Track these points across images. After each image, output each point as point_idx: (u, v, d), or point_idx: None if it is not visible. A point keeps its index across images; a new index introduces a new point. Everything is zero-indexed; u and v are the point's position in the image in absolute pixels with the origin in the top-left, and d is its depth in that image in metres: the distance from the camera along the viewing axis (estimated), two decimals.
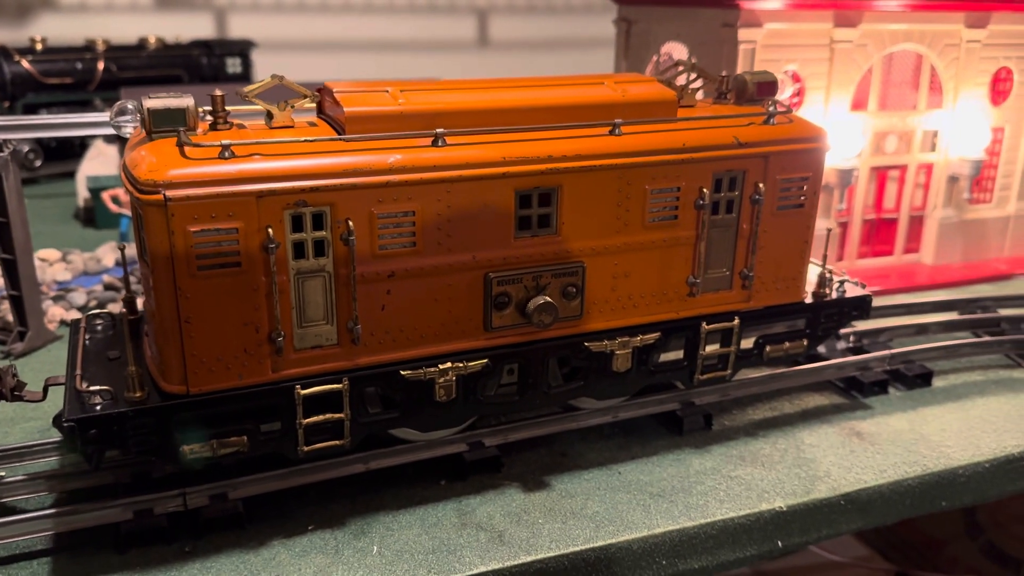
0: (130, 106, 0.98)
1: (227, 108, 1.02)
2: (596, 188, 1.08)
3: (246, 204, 0.91)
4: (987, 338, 1.52)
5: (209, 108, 1.00)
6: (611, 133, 1.08)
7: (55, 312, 1.66)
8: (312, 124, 1.05)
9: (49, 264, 1.92)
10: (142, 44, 2.98)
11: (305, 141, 0.96)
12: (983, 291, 1.83)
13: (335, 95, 1.02)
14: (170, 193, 0.89)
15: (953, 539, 2.43)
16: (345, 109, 0.99)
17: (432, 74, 3.55)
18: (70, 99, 2.71)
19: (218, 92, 1.00)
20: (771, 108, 1.17)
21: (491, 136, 1.04)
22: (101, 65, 2.80)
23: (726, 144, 1.12)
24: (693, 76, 1.23)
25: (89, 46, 2.87)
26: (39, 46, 2.79)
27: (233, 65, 3.03)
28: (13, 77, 2.66)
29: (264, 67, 3.51)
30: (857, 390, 1.39)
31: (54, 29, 3.31)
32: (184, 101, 0.96)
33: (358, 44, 3.95)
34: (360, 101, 1.00)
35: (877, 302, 1.66)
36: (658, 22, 1.90)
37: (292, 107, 1.02)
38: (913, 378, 1.41)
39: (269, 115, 1.02)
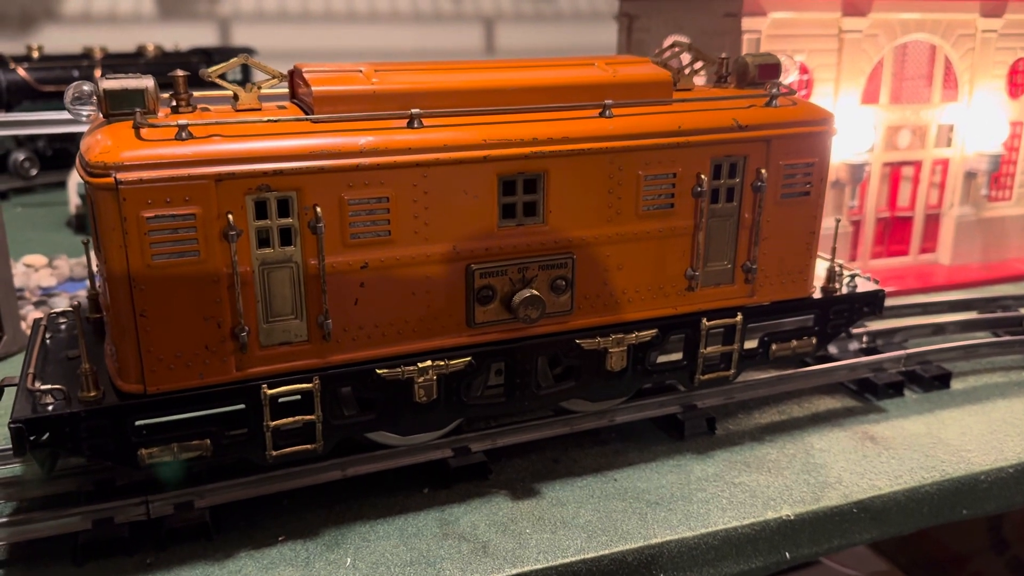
0: (86, 88, 0.93)
1: (191, 92, 0.96)
2: (585, 174, 1.01)
3: (204, 188, 0.85)
4: (1008, 338, 1.44)
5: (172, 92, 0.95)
6: (601, 115, 1.02)
7: (35, 317, 1.60)
8: (282, 107, 0.99)
9: (35, 270, 1.87)
10: (140, 52, 2.95)
11: (269, 122, 0.90)
12: (1001, 292, 1.75)
13: (305, 75, 0.96)
14: (121, 176, 0.82)
15: (978, 553, 2.34)
16: (314, 89, 0.93)
17: None
18: None
19: (180, 73, 0.94)
20: (774, 90, 1.10)
21: (471, 118, 0.97)
22: (99, 73, 2.76)
23: (725, 127, 1.05)
24: (690, 58, 1.17)
25: (86, 54, 2.84)
26: (36, 54, 2.76)
27: (232, 73, 2.99)
28: (9, 85, 2.63)
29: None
30: (871, 392, 1.31)
31: (58, 39, 3.30)
32: (143, 82, 0.90)
33: (363, 53, 3.92)
34: (330, 80, 0.94)
35: (892, 302, 1.58)
36: (659, 15, 1.84)
37: (259, 88, 0.96)
38: (930, 380, 1.33)
39: (235, 97, 0.96)
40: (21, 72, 2.65)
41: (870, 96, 1.73)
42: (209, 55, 3.06)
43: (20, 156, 2.63)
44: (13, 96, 2.64)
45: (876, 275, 1.79)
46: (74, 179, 2.32)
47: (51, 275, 1.84)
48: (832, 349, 1.38)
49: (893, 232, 1.86)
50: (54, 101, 2.71)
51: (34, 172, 2.67)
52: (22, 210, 2.55)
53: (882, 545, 2.37)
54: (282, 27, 3.81)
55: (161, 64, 2.94)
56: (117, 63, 2.85)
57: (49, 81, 2.69)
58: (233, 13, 3.76)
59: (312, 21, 3.85)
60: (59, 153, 2.71)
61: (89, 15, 3.50)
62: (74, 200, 2.29)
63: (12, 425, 0.85)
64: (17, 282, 1.76)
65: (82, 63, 2.80)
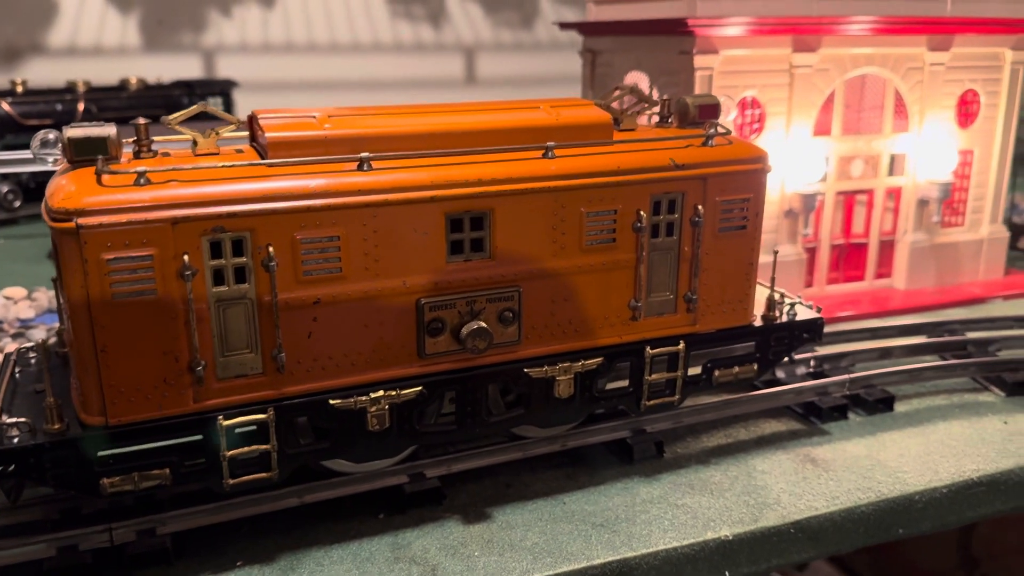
0: (51, 136, 0.98)
1: (152, 137, 1.01)
2: (530, 211, 1.06)
3: (161, 231, 0.90)
4: (952, 361, 1.49)
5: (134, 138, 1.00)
6: (544, 156, 1.07)
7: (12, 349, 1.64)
8: (239, 151, 1.05)
9: (14, 302, 1.91)
10: (123, 85, 3.01)
11: (224, 167, 0.95)
12: (955, 315, 1.80)
13: (260, 122, 1.01)
14: (82, 221, 0.87)
15: (948, 572, 2.38)
16: (267, 135, 0.98)
17: None
18: None
19: (141, 120, 0.99)
20: (711, 130, 1.16)
21: (419, 160, 1.03)
22: (81, 106, 2.82)
23: (662, 166, 1.11)
24: (633, 100, 1.23)
25: (70, 87, 2.90)
26: (19, 88, 2.81)
27: (214, 104, 3.05)
28: None
29: (248, 107, 3.53)
30: (816, 415, 1.36)
31: (44, 72, 3.35)
32: (105, 130, 0.96)
33: (346, 84, 3.98)
34: (283, 127, 1.00)
35: (843, 327, 1.64)
36: (620, 52, 1.90)
37: (217, 134, 1.01)
38: (874, 403, 1.38)
39: (194, 143, 1.01)
40: (5, 106, 2.71)
41: (822, 128, 1.80)
42: (191, 87, 3.12)
43: (3, 188, 2.68)
44: None
45: (832, 300, 1.86)
46: None
47: (30, 307, 1.88)
48: (780, 373, 1.43)
49: (848, 258, 1.92)
50: None
51: (17, 204, 2.72)
52: (4, 242, 2.60)
53: (851, 563, 2.41)
54: (266, 58, 3.88)
55: (143, 97, 3.00)
56: (100, 96, 2.91)
57: (32, 115, 2.75)
58: (217, 45, 3.83)
59: (296, 52, 3.92)
60: (42, 185, 2.74)
61: (75, 48, 3.56)
62: None
63: None
64: None
65: (65, 97, 2.85)
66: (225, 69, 3.82)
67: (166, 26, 3.64)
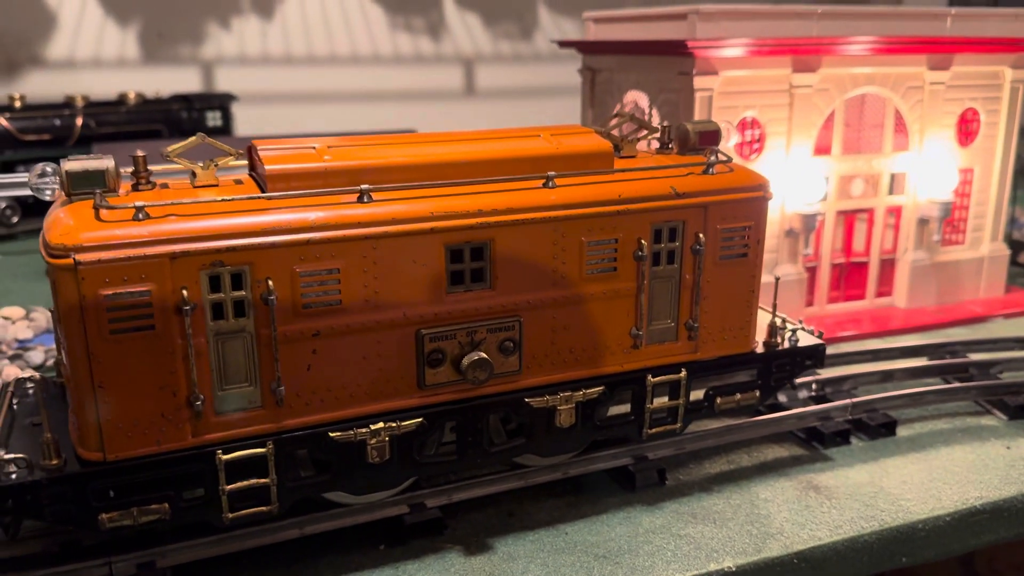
0: (49, 169, 0.97)
1: (150, 168, 1.01)
2: (530, 241, 1.06)
3: (159, 266, 0.89)
4: (955, 384, 1.49)
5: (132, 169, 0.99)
6: (545, 186, 1.07)
7: (10, 372, 1.64)
8: (238, 182, 1.04)
9: (12, 322, 1.90)
10: (122, 99, 3.00)
11: (223, 200, 0.95)
12: (956, 335, 1.80)
13: (259, 153, 1.01)
14: (80, 257, 0.87)
15: None
16: (266, 168, 0.98)
17: (418, 124, 3.58)
18: (48, 156, 2.71)
19: (139, 153, 0.99)
20: (711, 157, 1.15)
21: (419, 191, 1.02)
22: (80, 121, 2.82)
23: (663, 195, 1.10)
24: (633, 127, 1.22)
25: (68, 102, 2.89)
26: (18, 103, 2.81)
27: (213, 118, 3.05)
28: None
29: (248, 120, 3.53)
30: (818, 441, 1.35)
31: (43, 85, 3.35)
32: (103, 163, 0.95)
33: (345, 96, 3.98)
34: (282, 159, 0.99)
35: (844, 348, 1.64)
36: (620, 71, 1.90)
37: (216, 165, 1.01)
38: (876, 427, 1.38)
39: (193, 174, 1.00)
40: (2, 122, 2.70)
41: (823, 147, 1.80)
42: (190, 101, 3.11)
43: (1, 204, 2.67)
44: None
45: (833, 319, 1.86)
46: None
47: (28, 327, 1.87)
48: (782, 398, 1.43)
49: (849, 277, 1.92)
50: (36, 150, 2.76)
51: (15, 220, 2.71)
52: (2, 258, 2.59)
53: None
54: (265, 70, 3.87)
55: (142, 111, 2.99)
56: (98, 111, 2.90)
57: (31, 130, 2.74)
58: (216, 57, 3.82)
59: (295, 64, 3.92)
60: (41, 201, 2.75)
61: (73, 61, 3.56)
62: None
63: None
64: None
65: (63, 112, 2.85)
66: (224, 81, 3.82)
67: (166, 39, 3.64)
